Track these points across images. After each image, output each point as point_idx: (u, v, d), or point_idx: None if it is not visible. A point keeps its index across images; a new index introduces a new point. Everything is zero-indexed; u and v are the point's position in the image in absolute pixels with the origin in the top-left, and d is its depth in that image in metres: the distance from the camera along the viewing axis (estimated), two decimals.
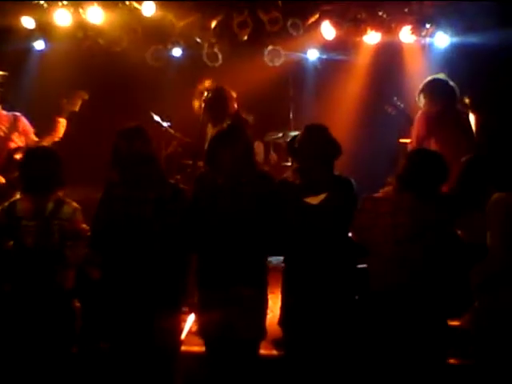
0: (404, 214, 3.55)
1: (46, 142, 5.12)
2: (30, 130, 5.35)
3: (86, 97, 5.29)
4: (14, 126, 5.32)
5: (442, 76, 5.07)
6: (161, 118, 6.30)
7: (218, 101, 5.36)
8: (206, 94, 5.43)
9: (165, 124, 6.30)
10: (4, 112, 5.34)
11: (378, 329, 3.59)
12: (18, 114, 5.39)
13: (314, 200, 3.65)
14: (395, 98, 5.57)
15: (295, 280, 3.69)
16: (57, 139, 5.28)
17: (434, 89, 5.00)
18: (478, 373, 3.51)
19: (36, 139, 5.28)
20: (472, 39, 6.12)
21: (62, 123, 5.29)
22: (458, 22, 6.12)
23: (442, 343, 3.62)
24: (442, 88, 4.99)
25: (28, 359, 3.78)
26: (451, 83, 5.00)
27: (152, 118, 6.14)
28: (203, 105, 5.37)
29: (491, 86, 5.63)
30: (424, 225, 3.55)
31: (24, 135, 5.32)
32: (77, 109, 5.28)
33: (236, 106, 5.36)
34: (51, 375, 3.80)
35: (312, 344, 3.66)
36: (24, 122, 5.36)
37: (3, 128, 5.30)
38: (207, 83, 5.55)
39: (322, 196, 3.66)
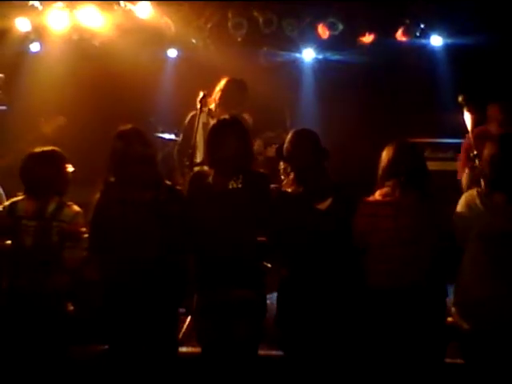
0: (406, 216, 3.52)
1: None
2: None
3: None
4: None
5: None
6: (164, 131, 6.34)
7: (240, 86, 5.46)
8: (225, 81, 5.48)
9: (171, 136, 6.33)
10: None
11: (378, 329, 3.57)
12: None
13: (322, 205, 3.64)
14: None
15: (298, 284, 3.64)
16: None
17: None
18: (468, 370, 3.50)
19: None
20: (465, 40, 6.31)
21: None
22: (451, 24, 6.29)
23: (442, 342, 3.61)
24: None
25: (20, 361, 3.76)
26: None
27: (157, 135, 6.20)
28: (223, 89, 5.42)
29: (483, 85, 5.75)
30: (427, 224, 3.53)
31: None
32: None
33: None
34: (45, 379, 3.78)
35: (311, 344, 3.63)
36: None
37: None
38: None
39: (329, 201, 3.64)
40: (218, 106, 5.40)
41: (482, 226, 3.33)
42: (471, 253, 3.41)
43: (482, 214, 3.34)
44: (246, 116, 5.51)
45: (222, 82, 5.43)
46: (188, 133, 5.30)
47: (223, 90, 5.41)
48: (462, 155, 5.23)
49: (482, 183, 3.50)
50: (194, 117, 5.28)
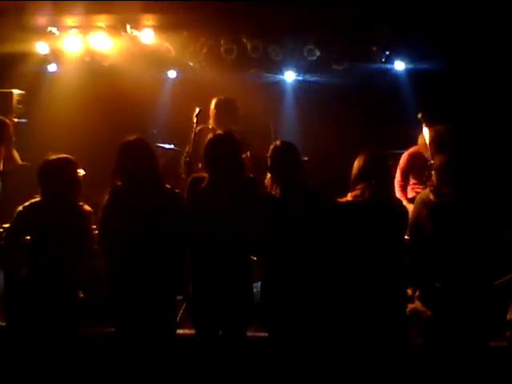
0: (378, 213, 3.70)
1: None
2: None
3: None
4: None
5: None
6: (165, 142, 6.42)
7: (230, 104, 5.69)
8: (216, 100, 5.64)
9: (171, 146, 6.41)
10: None
11: (349, 314, 3.80)
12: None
13: (298, 209, 3.80)
14: None
15: (278, 274, 3.86)
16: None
17: None
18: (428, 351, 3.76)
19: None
20: (424, 65, 6.76)
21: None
22: (412, 51, 6.70)
23: (405, 327, 3.83)
24: None
25: (36, 339, 4.01)
26: None
27: (158, 144, 6.19)
28: (214, 108, 5.61)
29: (439, 104, 6.18)
30: (393, 223, 3.74)
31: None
32: None
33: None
34: (57, 355, 4.02)
35: (290, 324, 3.85)
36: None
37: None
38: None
39: (304, 205, 3.82)
40: (214, 123, 5.58)
41: (431, 211, 3.60)
42: (429, 244, 3.64)
43: (432, 201, 3.63)
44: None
45: (213, 102, 5.66)
46: (197, 145, 5.29)
47: (215, 109, 5.63)
48: (399, 173, 5.29)
49: (434, 181, 3.77)
50: (201, 130, 5.45)
